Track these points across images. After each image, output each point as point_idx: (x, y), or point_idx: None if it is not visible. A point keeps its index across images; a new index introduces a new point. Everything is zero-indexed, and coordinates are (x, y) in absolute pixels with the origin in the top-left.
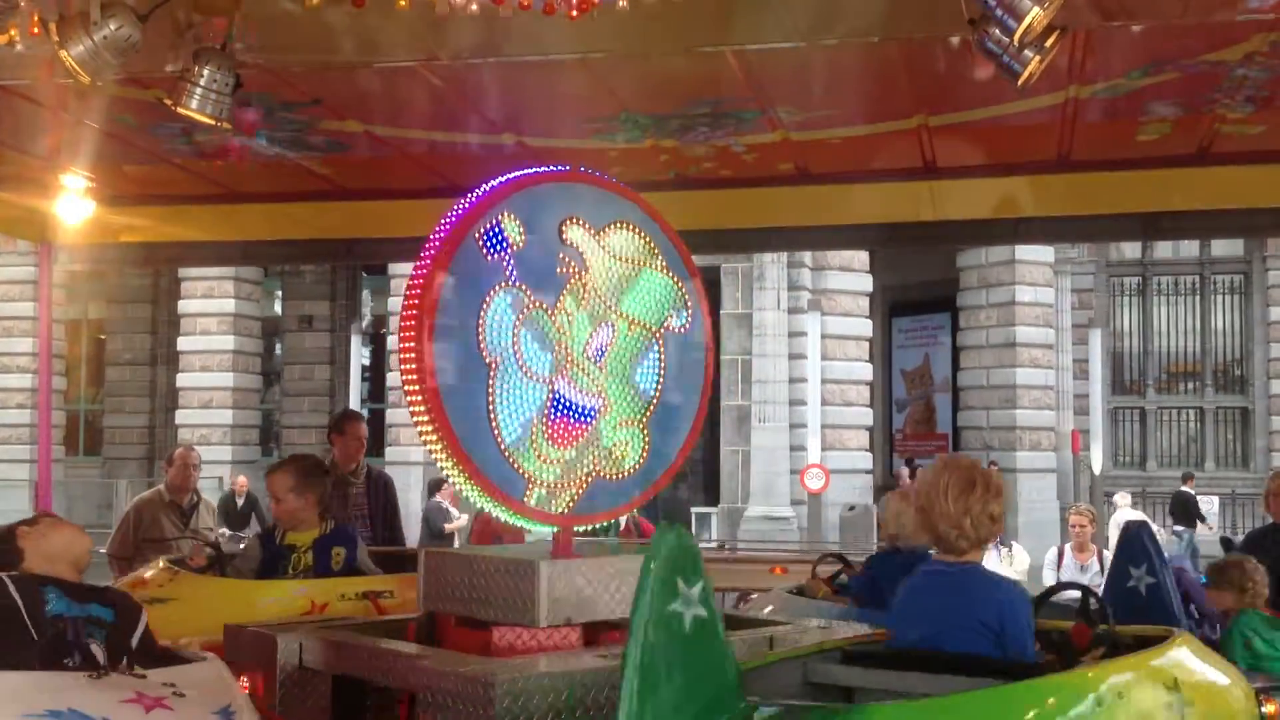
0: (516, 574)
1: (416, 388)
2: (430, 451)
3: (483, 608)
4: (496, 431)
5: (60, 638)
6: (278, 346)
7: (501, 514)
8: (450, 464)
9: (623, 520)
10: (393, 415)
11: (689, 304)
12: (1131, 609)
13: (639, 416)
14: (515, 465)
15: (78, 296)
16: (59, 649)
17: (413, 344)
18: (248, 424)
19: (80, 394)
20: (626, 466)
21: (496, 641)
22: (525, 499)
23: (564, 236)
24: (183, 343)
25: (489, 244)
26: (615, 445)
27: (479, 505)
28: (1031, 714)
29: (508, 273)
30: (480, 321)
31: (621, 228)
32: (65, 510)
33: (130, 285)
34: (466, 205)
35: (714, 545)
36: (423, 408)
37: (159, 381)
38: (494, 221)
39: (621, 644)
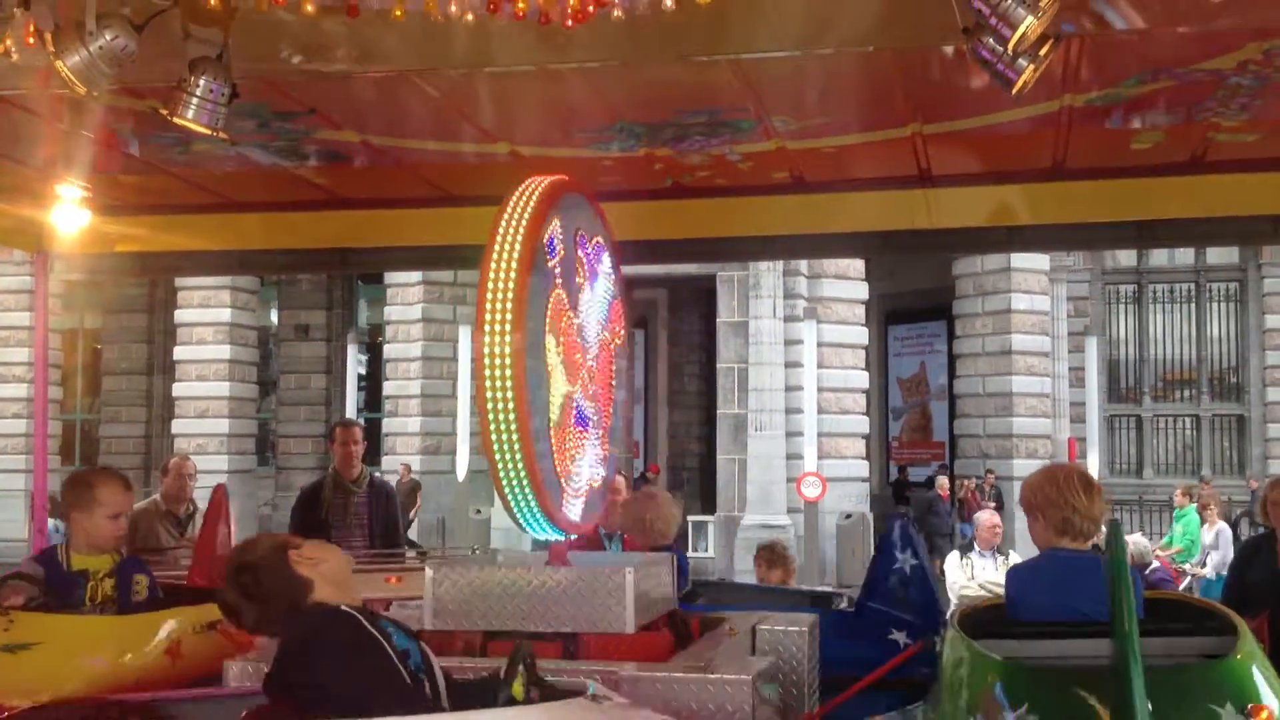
0: (603, 585)
1: (508, 398)
2: (499, 464)
3: (552, 621)
4: (552, 441)
5: (416, 678)
6: (274, 356)
7: (538, 523)
8: (518, 473)
9: None
10: (389, 424)
11: (623, 324)
12: (897, 587)
13: (606, 425)
14: (559, 474)
15: (74, 306)
16: (419, 692)
17: (502, 352)
18: (244, 433)
19: (76, 404)
20: (601, 473)
21: (594, 650)
22: (562, 507)
23: (578, 246)
24: (179, 352)
25: (550, 248)
26: (597, 453)
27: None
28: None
29: (557, 279)
30: (545, 328)
31: (598, 241)
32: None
33: (126, 295)
34: (528, 207)
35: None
36: (512, 417)
37: (155, 391)
38: (553, 225)
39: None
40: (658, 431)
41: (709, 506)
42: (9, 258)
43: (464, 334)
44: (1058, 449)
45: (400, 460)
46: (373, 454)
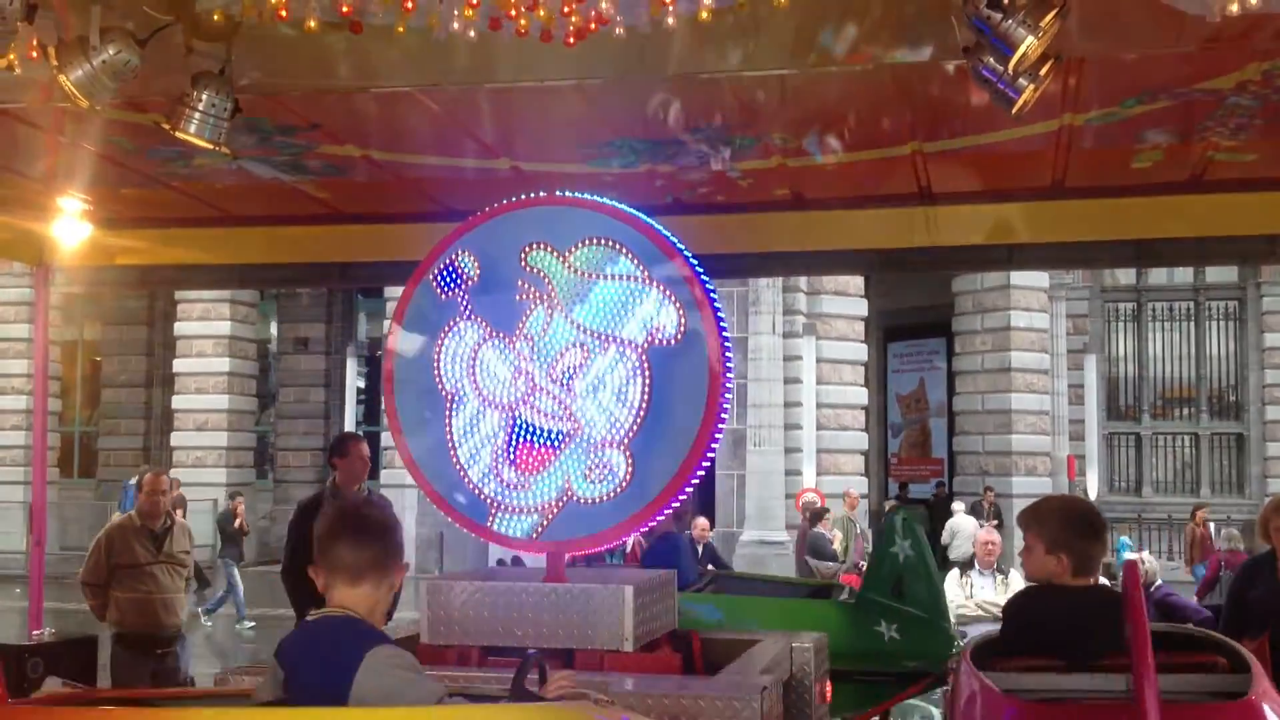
0: (602, 601)
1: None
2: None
3: (550, 639)
4: (456, 459)
5: None
6: (273, 369)
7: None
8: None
9: (629, 543)
10: (387, 438)
11: (682, 318)
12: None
13: (620, 438)
14: (477, 491)
15: (74, 319)
16: None
17: (383, 386)
18: (243, 446)
19: (75, 416)
20: (605, 490)
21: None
22: (489, 523)
23: (525, 263)
24: (178, 365)
25: (443, 283)
26: (591, 469)
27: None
28: None
29: (463, 307)
30: (438, 356)
31: (595, 244)
32: (59, 533)
33: (126, 308)
34: (429, 252)
35: None
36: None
37: (154, 404)
38: (449, 261)
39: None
40: None
41: (708, 522)
42: (9, 270)
43: None
44: (1057, 466)
45: (398, 475)
46: (372, 468)
